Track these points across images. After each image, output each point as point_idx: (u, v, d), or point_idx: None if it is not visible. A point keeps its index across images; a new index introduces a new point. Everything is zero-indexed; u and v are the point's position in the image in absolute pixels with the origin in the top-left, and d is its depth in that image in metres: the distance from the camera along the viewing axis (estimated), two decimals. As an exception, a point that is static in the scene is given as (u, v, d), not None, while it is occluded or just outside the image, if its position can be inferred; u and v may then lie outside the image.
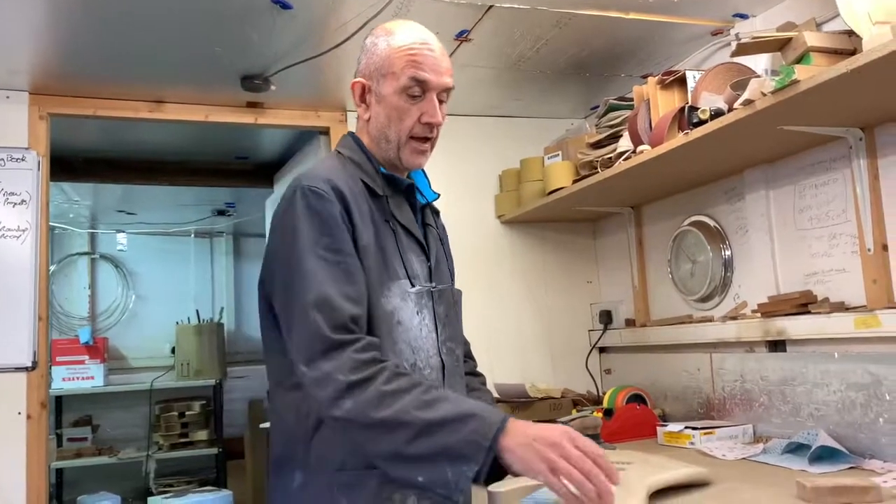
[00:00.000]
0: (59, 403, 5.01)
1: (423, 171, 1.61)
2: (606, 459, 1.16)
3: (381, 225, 1.43)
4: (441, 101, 1.47)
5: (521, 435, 1.17)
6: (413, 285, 1.42)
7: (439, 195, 1.63)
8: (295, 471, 1.37)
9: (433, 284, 1.48)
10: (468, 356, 1.79)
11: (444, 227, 1.70)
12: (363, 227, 1.38)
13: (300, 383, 1.29)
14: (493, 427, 1.17)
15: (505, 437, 1.17)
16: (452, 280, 1.69)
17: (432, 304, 1.47)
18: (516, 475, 1.21)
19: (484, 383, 1.77)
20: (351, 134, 1.56)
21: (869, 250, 1.89)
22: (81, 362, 4.95)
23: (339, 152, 1.52)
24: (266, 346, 1.46)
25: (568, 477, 1.13)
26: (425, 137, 1.47)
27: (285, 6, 2.06)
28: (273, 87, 2.66)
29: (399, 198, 1.50)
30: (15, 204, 2.57)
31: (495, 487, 1.55)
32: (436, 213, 1.65)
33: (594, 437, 2.25)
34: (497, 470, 1.26)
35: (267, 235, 1.47)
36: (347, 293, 1.30)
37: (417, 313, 1.42)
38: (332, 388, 1.22)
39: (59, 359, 4.82)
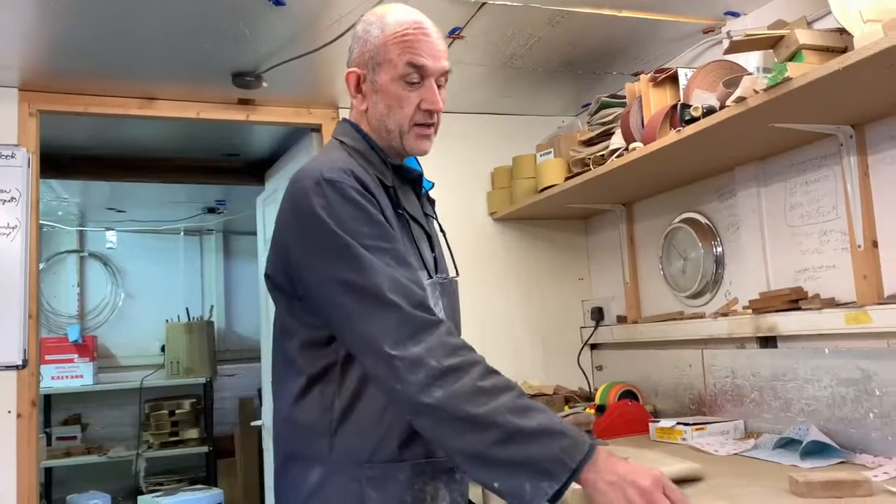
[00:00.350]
0: (48, 402, 4.98)
1: (416, 159, 1.57)
2: None
3: (395, 216, 1.39)
4: (439, 86, 1.42)
5: (610, 471, 1.13)
6: (430, 276, 1.40)
7: (433, 184, 1.61)
8: (312, 467, 1.32)
9: (443, 276, 1.47)
10: None
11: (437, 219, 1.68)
12: (385, 216, 1.34)
13: (371, 370, 1.23)
14: (582, 451, 1.13)
15: (592, 465, 1.14)
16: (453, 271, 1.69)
17: (440, 296, 1.44)
18: None
19: None
20: (347, 121, 1.49)
21: (859, 247, 1.90)
22: (70, 361, 4.93)
23: (342, 142, 1.46)
24: (282, 339, 1.40)
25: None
26: (427, 123, 1.42)
27: (278, 2, 2.06)
28: (265, 84, 2.65)
29: (405, 188, 1.47)
30: (4, 201, 2.55)
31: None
32: (432, 202, 1.62)
33: (586, 433, 2.26)
34: None
35: (275, 230, 1.39)
36: (410, 278, 1.26)
37: (435, 305, 1.38)
38: (425, 374, 1.17)
39: (47, 357, 4.79)
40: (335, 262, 1.26)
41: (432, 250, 1.49)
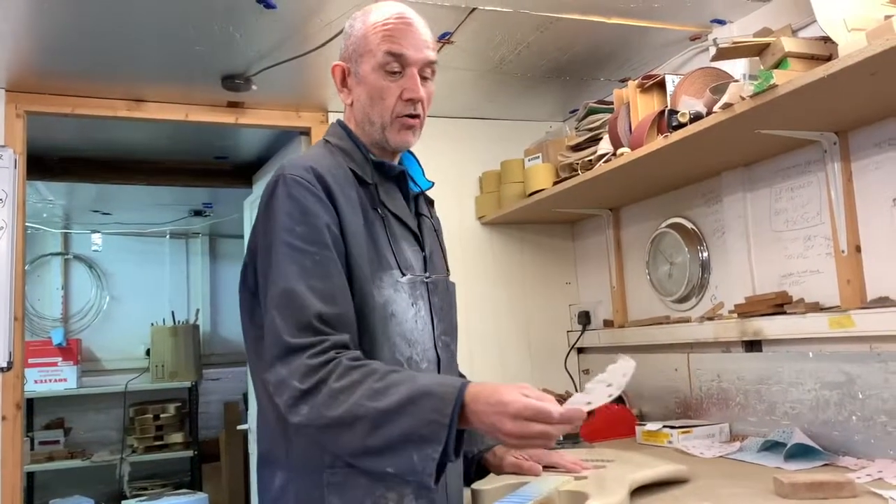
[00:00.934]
0: (31, 406, 4.92)
1: (416, 159, 1.57)
2: (565, 416, 1.12)
3: (371, 213, 1.37)
4: (425, 78, 1.40)
5: (481, 411, 1.12)
6: (404, 275, 1.37)
7: (433, 183, 1.58)
8: (276, 470, 1.33)
9: (427, 275, 1.44)
10: None
11: (438, 219, 1.65)
12: (351, 214, 1.33)
13: None
14: (450, 403, 1.12)
15: (466, 414, 1.13)
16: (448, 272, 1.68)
17: (428, 296, 1.42)
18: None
19: None
20: (339, 121, 1.50)
21: (843, 252, 1.93)
22: (54, 364, 4.90)
23: (326, 141, 1.46)
24: (247, 343, 1.41)
25: (527, 445, 1.17)
26: (410, 115, 1.40)
27: (269, 6, 2.06)
28: (254, 87, 2.65)
29: (390, 185, 1.45)
30: (-9, 202, 2.53)
31: (479, 485, 1.56)
32: (430, 202, 1.60)
33: (573, 436, 2.28)
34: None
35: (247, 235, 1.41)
36: (315, 287, 1.24)
37: (412, 305, 1.38)
38: (288, 395, 1.19)
39: (31, 361, 4.74)
40: (263, 260, 1.30)
41: (422, 249, 1.46)
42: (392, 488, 1.28)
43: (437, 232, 1.59)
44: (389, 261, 1.36)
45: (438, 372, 1.42)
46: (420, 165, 1.57)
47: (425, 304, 1.42)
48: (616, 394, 1.20)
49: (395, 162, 1.49)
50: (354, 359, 1.22)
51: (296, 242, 1.26)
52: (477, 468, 1.62)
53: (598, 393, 1.19)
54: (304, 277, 1.24)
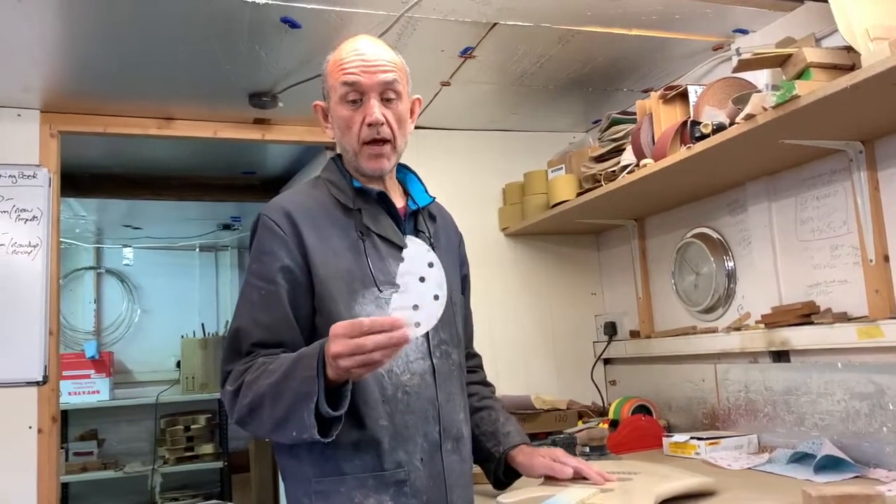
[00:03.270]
0: (65, 418, 5.01)
1: (417, 176, 1.64)
2: (375, 323, 1.19)
3: (352, 236, 1.47)
4: (389, 100, 1.47)
5: (330, 362, 1.23)
6: (382, 291, 1.43)
7: (434, 199, 1.63)
8: (287, 481, 1.47)
9: None
10: (478, 367, 1.81)
11: (450, 229, 1.69)
12: (321, 242, 1.44)
13: None
14: (314, 356, 1.24)
15: (327, 364, 1.23)
16: (465, 283, 1.71)
17: None
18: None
19: (494, 392, 1.80)
20: (334, 156, 1.61)
21: (871, 261, 1.91)
22: (87, 376, 4.98)
23: (318, 176, 1.59)
24: None
25: (364, 371, 1.22)
26: (377, 140, 1.47)
27: (294, 25, 2.10)
28: (280, 104, 2.69)
29: (374, 209, 1.52)
30: (27, 220, 2.60)
31: (504, 499, 1.57)
32: (432, 218, 1.64)
33: (599, 448, 2.27)
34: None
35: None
36: (259, 319, 1.40)
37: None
38: (227, 400, 1.37)
39: (65, 373, 4.83)
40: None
41: None
42: (369, 495, 1.37)
43: (436, 244, 1.59)
44: (370, 278, 1.44)
45: (434, 380, 1.46)
46: (421, 182, 1.63)
47: None
48: (438, 292, 1.23)
49: (390, 184, 1.57)
50: (269, 357, 1.36)
51: (251, 279, 1.44)
52: (506, 469, 1.65)
53: (416, 290, 1.22)
54: (253, 311, 1.41)
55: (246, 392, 1.32)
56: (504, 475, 1.65)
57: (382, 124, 1.46)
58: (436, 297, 1.23)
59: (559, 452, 1.63)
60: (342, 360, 1.19)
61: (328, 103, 1.54)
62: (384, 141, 1.48)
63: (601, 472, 1.61)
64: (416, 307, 1.22)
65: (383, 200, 1.53)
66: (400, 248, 1.48)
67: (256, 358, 1.36)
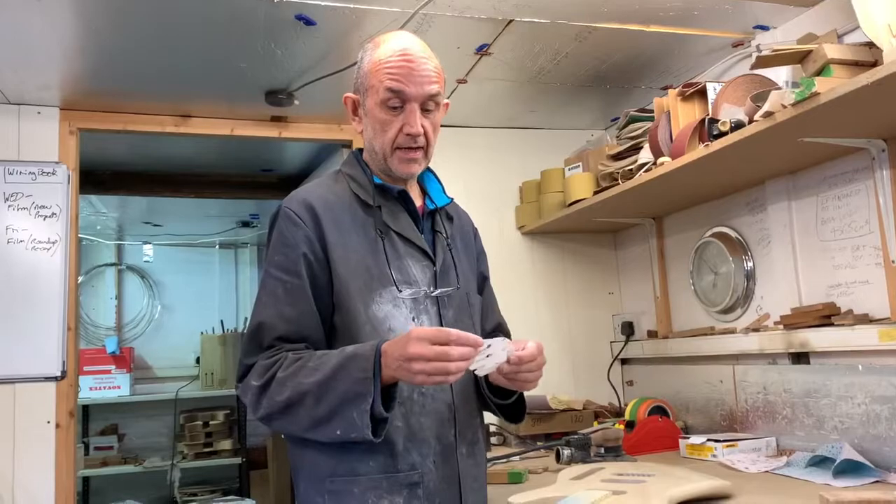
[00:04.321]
0: (86, 412, 5.09)
1: (435, 176, 1.63)
2: (462, 335, 1.21)
3: (373, 233, 1.46)
4: (428, 110, 1.47)
5: (394, 361, 1.24)
6: (401, 291, 1.43)
7: (452, 199, 1.63)
8: (300, 480, 1.46)
9: (429, 289, 1.48)
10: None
11: (467, 231, 1.69)
12: (342, 238, 1.43)
13: None
14: (370, 359, 1.25)
15: (384, 365, 1.25)
16: (485, 282, 1.69)
17: (437, 309, 1.47)
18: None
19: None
20: (354, 151, 1.61)
21: (893, 262, 1.87)
22: (108, 372, 5.03)
23: (339, 170, 1.58)
24: None
25: (430, 380, 1.23)
26: (410, 147, 1.47)
27: (309, 23, 2.10)
28: (297, 102, 2.70)
29: (395, 206, 1.52)
30: (46, 217, 2.63)
31: (516, 499, 1.56)
32: (450, 218, 1.64)
33: (615, 449, 2.25)
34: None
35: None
36: (283, 313, 1.38)
37: (414, 319, 1.44)
38: (251, 394, 1.35)
39: (86, 368, 4.89)
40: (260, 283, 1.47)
41: (434, 264, 1.50)
42: (382, 496, 1.37)
43: (453, 245, 1.59)
44: (389, 278, 1.43)
45: (451, 385, 1.45)
46: (440, 182, 1.63)
47: (430, 318, 1.46)
48: (493, 367, 1.31)
49: (410, 182, 1.56)
50: (298, 352, 1.35)
51: (274, 271, 1.42)
52: (489, 387, 1.58)
53: (496, 352, 1.28)
54: (276, 304, 1.39)
55: (279, 389, 1.31)
56: (495, 394, 1.55)
57: (420, 135, 1.46)
58: (495, 364, 1.30)
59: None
60: (419, 363, 1.20)
61: (362, 99, 1.50)
62: (418, 147, 1.48)
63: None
64: (488, 356, 1.27)
65: (403, 198, 1.53)
66: (418, 247, 1.50)
67: (279, 353, 1.35)
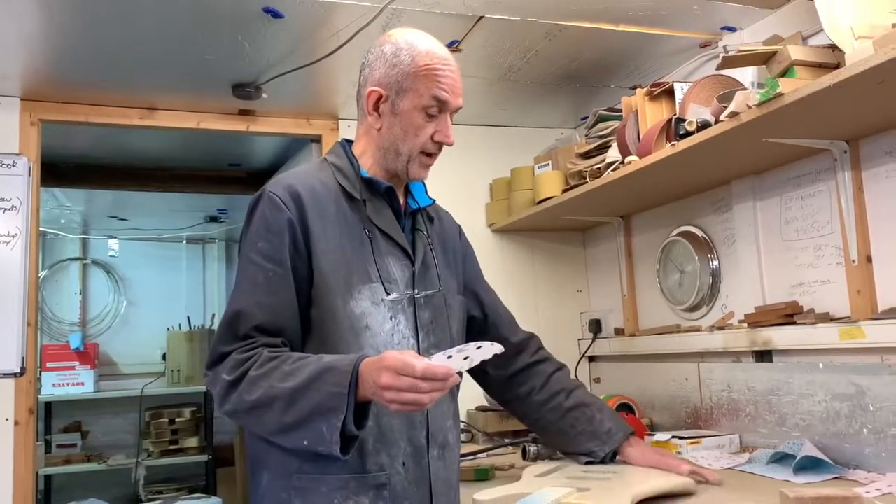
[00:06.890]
0: (49, 409, 5.00)
1: (424, 185, 1.63)
2: (428, 370, 1.18)
3: (355, 228, 1.44)
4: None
5: (370, 385, 1.22)
6: (387, 291, 1.42)
7: (434, 201, 1.64)
8: (262, 472, 1.42)
9: (415, 291, 1.48)
10: (542, 352, 1.86)
11: (450, 232, 1.71)
12: (325, 230, 1.41)
13: None
14: (347, 374, 1.23)
15: (361, 382, 1.23)
16: (477, 284, 1.73)
17: (414, 310, 1.46)
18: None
19: (569, 374, 1.88)
20: (341, 142, 1.58)
21: (853, 262, 1.90)
22: (72, 368, 4.94)
23: (325, 158, 1.55)
24: None
25: (404, 409, 1.20)
26: (433, 153, 1.50)
27: (276, 15, 2.07)
28: (265, 95, 2.67)
29: (379, 202, 1.51)
30: (5, 210, 2.57)
31: (481, 496, 1.56)
32: (430, 219, 1.64)
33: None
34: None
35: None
36: (262, 301, 1.35)
37: (391, 318, 1.42)
38: (220, 387, 1.32)
39: (49, 364, 4.80)
40: (237, 269, 1.44)
41: (412, 264, 1.50)
42: (349, 497, 1.35)
43: (433, 246, 1.60)
44: (371, 275, 1.42)
45: None
46: (423, 183, 1.62)
47: (408, 319, 1.45)
48: (467, 366, 1.27)
49: (395, 180, 1.54)
50: (275, 351, 1.33)
51: (256, 258, 1.39)
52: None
53: (455, 359, 1.24)
54: (256, 292, 1.36)
55: (250, 388, 1.28)
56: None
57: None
58: (461, 366, 1.25)
59: (669, 453, 1.67)
60: (391, 393, 1.18)
61: (393, 97, 1.47)
62: (436, 154, 1.51)
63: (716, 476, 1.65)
64: (449, 357, 1.24)
65: (389, 195, 1.52)
66: (399, 245, 1.50)
67: (256, 346, 1.32)
